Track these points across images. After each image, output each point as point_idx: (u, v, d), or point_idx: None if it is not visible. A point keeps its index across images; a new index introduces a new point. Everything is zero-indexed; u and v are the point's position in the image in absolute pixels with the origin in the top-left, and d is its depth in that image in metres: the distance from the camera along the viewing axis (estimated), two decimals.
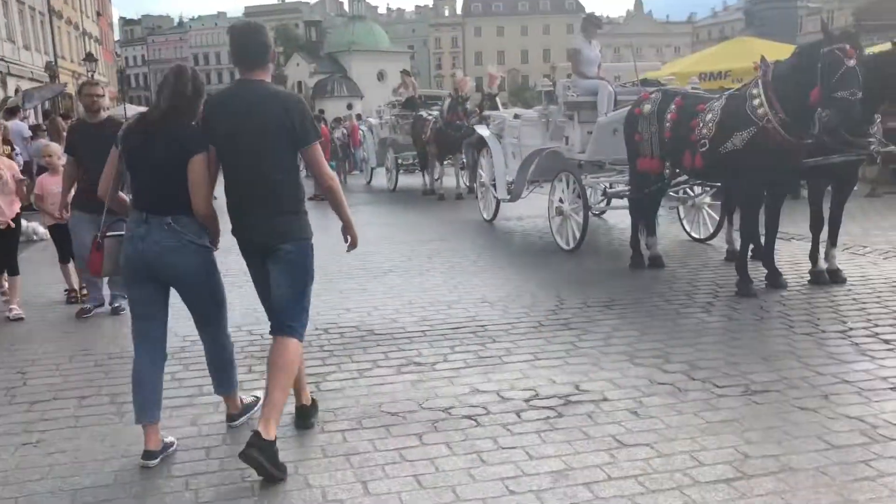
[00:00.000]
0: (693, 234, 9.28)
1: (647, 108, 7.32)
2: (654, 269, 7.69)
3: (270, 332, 3.68)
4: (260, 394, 3.97)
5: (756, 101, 6.22)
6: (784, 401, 4.10)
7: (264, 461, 3.30)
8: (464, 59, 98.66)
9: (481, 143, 12.67)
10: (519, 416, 4.02)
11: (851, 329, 5.39)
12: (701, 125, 6.65)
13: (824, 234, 6.96)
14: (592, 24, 9.32)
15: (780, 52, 14.63)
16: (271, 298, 3.66)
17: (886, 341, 5.09)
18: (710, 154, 6.54)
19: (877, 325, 5.46)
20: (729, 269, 7.53)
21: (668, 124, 7.04)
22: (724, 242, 8.43)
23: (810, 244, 7.03)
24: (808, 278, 6.92)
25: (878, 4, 68.63)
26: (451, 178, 16.41)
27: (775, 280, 6.75)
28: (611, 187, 9.11)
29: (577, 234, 8.53)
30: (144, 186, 3.62)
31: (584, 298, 6.52)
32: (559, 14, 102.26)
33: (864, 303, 6.11)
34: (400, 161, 17.59)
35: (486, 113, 12.76)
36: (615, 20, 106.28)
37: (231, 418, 4.02)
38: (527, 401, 4.23)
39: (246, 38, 3.58)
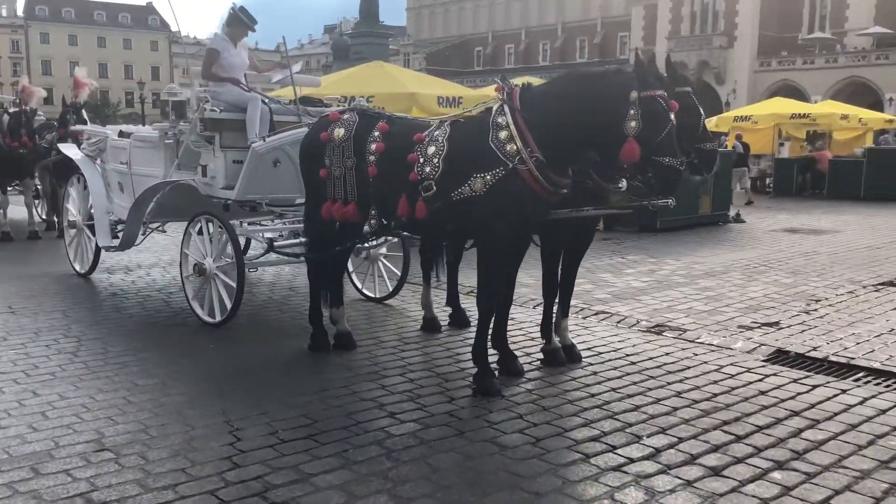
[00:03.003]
0: (366, 293, 7.44)
1: (338, 132, 5.22)
2: (343, 349, 5.64)
3: None
4: None
5: (504, 134, 4.56)
6: None
7: None
8: (28, 65, 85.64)
9: (67, 167, 9.40)
10: None
11: (658, 451, 3.91)
12: (422, 160, 4.80)
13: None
14: (242, 20, 6.75)
15: (418, 79, 14.10)
16: None
17: (714, 471, 3.70)
18: (438, 200, 4.71)
19: (680, 440, 4.07)
20: (433, 345, 5.89)
21: (372, 157, 5.04)
22: (404, 303, 6.76)
23: (542, 314, 5.64)
24: (542, 357, 5.51)
25: (445, 51, 76.73)
26: (19, 209, 12.34)
27: (511, 365, 5.19)
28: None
29: (228, 303, 6.08)
30: None
31: (269, 422, 4.17)
32: (141, 29, 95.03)
33: (628, 395, 4.78)
34: None
35: (78, 128, 9.44)
36: (200, 41, 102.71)
37: None
38: None
39: None
